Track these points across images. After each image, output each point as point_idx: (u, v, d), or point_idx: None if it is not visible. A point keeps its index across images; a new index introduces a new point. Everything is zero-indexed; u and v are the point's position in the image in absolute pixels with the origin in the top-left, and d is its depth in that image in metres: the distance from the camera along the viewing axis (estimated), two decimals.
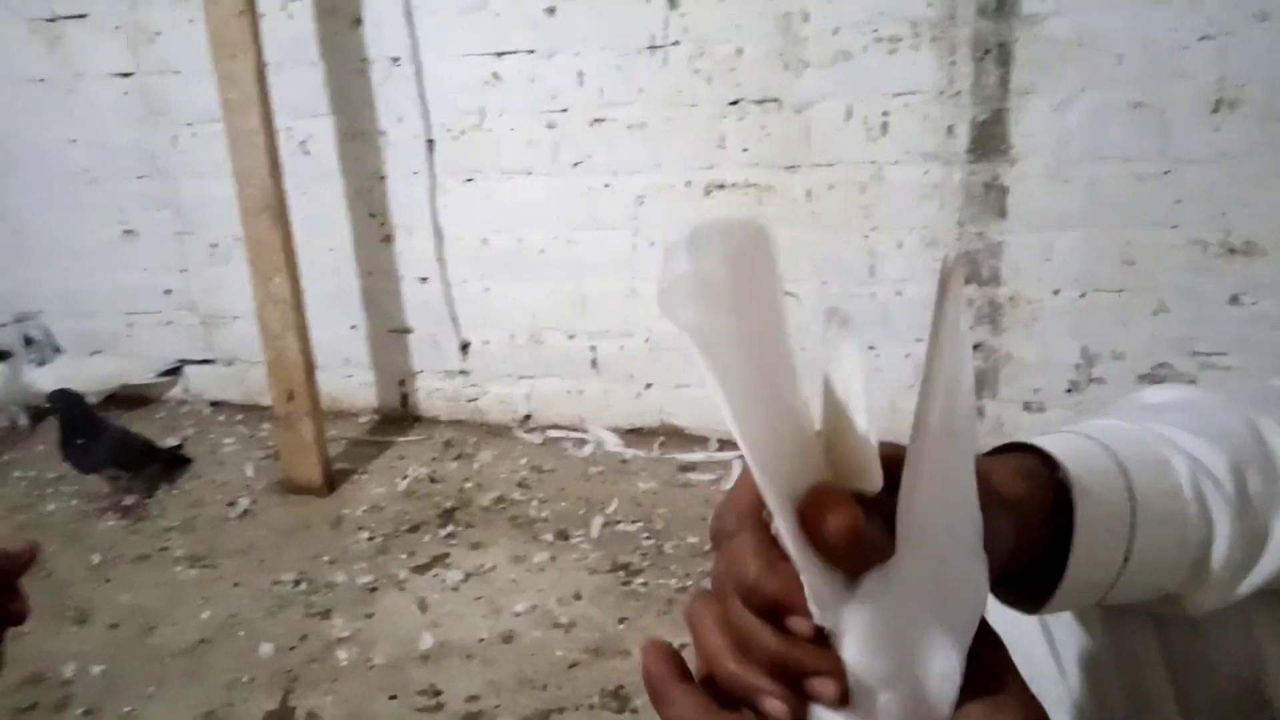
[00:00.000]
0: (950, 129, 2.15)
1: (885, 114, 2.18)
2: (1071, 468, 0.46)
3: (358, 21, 2.45)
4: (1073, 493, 0.46)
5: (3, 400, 2.75)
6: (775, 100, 2.24)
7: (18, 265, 2.96)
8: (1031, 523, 0.45)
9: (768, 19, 2.18)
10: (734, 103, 2.27)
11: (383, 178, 2.58)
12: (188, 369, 2.96)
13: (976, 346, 2.28)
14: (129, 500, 2.35)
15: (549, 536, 2.15)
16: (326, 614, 1.92)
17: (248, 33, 2.09)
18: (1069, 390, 2.27)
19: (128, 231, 2.85)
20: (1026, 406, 2.31)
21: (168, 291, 2.88)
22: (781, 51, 2.19)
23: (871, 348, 2.34)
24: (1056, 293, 2.21)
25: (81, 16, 2.67)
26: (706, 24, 2.22)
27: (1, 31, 2.72)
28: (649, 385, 2.56)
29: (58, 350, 2.85)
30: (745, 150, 2.29)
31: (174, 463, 2.51)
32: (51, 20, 2.70)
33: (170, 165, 2.74)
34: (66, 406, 2.28)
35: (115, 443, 2.32)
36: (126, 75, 2.69)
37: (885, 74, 2.15)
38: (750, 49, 2.21)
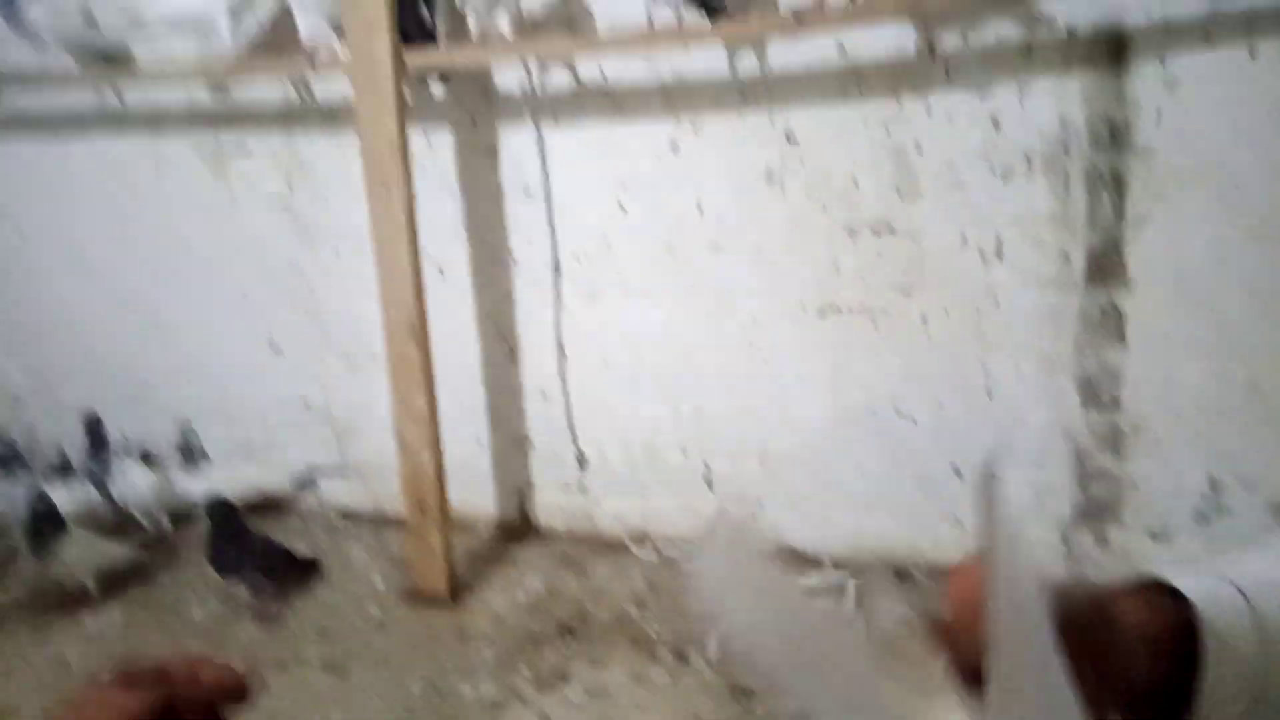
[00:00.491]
0: (1066, 255, 2.18)
1: (1000, 240, 2.23)
2: (1204, 608, 0.48)
3: (495, 156, 2.64)
4: (1202, 632, 0.48)
5: (152, 504, 2.94)
6: (889, 226, 2.31)
7: (175, 375, 3.21)
8: (1157, 656, 0.47)
9: (882, 151, 2.27)
10: (849, 229, 2.35)
11: (511, 300, 2.73)
12: (320, 478, 3.12)
13: (1099, 474, 2.25)
14: (267, 607, 2.48)
15: (668, 656, 2.17)
16: None
17: (400, 169, 2.28)
18: (1197, 520, 2.21)
19: (274, 345, 3.07)
20: (1153, 535, 2.26)
21: (307, 403, 3.07)
22: (896, 181, 2.28)
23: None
24: (1180, 419, 2.18)
25: (246, 150, 2.95)
26: (822, 157, 2.33)
27: (178, 161, 3.03)
28: (763, 503, 2.59)
29: (205, 457, 3.05)
30: (860, 275, 2.36)
31: (309, 571, 2.64)
32: (219, 154, 2.99)
33: (318, 285, 2.96)
34: (219, 513, 2.45)
35: (260, 550, 2.47)
36: (281, 201, 2.95)
37: (999, 202, 2.20)
38: (865, 179, 2.30)
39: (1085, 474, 2.28)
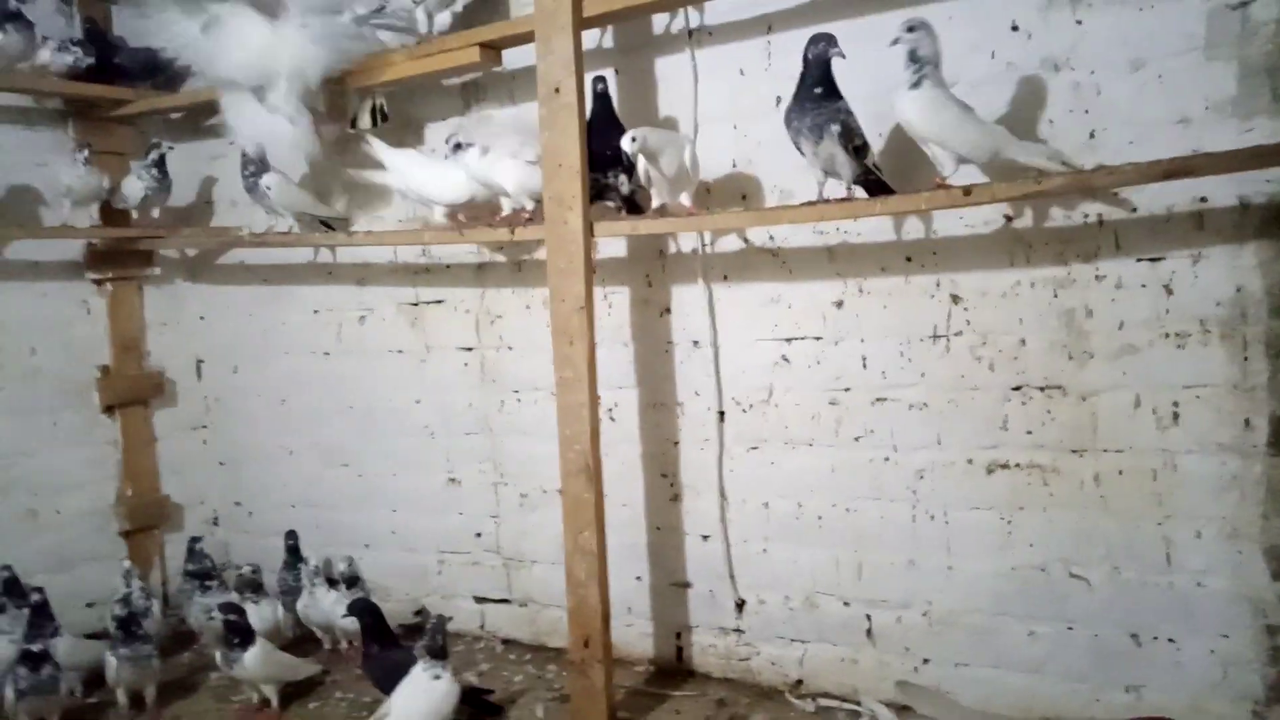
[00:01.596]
0: (1247, 422, 2.15)
1: (1175, 405, 2.21)
2: None
3: (667, 311, 2.83)
4: None
5: (333, 622, 3.11)
6: (1059, 387, 2.34)
7: (359, 504, 3.46)
8: None
9: (1050, 313, 2.32)
10: (1016, 388, 2.38)
11: (676, 443, 2.86)
12: (486, 606, 3.26)
13: None
14: None
15: None
16: None
17: (585, 325, 2.48)
18: None
19: (452, 479, 3.28)
20: None
21: (478, 535, 3.24)
22: (1065, 343, 2.31)
23: (1171, 640, 2.25)
24: None
25: (439, 302, 3.25)
26: (989, 317, 2.40)
27: (379, 311, 3.35)
28: (926, 660, 2.56)
29: (357, 580, 3.17)
30: (1029, 433, 2.38)
31: (486, 710, 2.71)
32: (415, 304, 3.30)
33: (496, 425, 3.17)
34: (367, 615, 2.62)
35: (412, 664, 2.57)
36: (469, 349, 3.21)
37: (1174, 367, 2.20)
38: (1033, 340, 2.35)
39: (1276, 648, 2.17)
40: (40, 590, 2.80)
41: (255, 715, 2.76)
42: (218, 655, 2.74)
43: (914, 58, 2.04)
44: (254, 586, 3.07)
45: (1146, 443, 2.25)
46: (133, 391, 3.55)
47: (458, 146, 2.71)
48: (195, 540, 3.21)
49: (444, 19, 2.77)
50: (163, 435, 3.65)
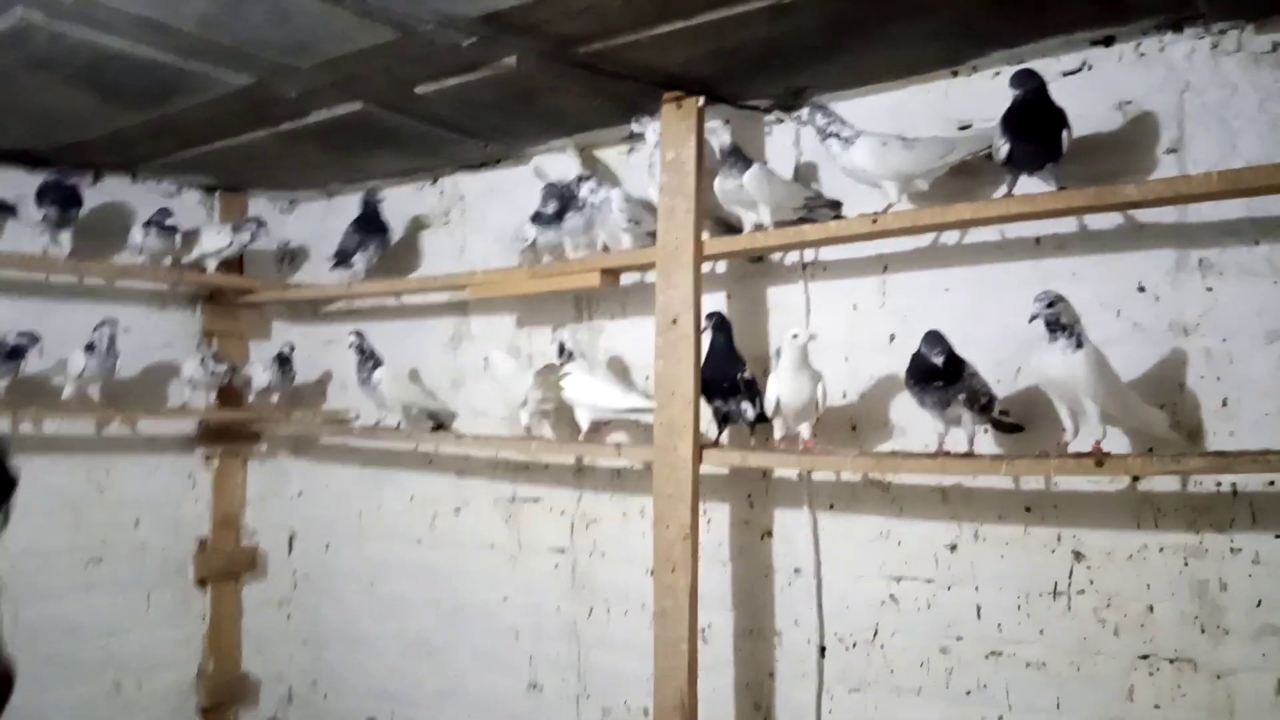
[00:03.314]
0: None
1: None
2: None
3: (768, 534, 2.78)
4: None
5: None
6: (1190, 661, 2.20)
7: (439, 699, 3.39)
8: None
9: (1181, 582, 2.21)
10: (1144, 656, 2.25)
11: (772, 675, 2.76)
12: None
13: None
14: None
15: None
16: None
17: (689, 554, 2.45)
18: None
19: (534, 686, 3.20)
20: None
21: None
22: (1198, 615, 2.19)
23: None
24: None
25: (535, 500, 3.25)
26: (1114, 579, 2.29)
27: (475, 505, 3.37)
28: None
29: None
30: (1156, 707, 2.23)
31: None
32: (511, 500, 3.31)
33: (584, 634, 3.11)
34: None
35: None
36: (561, 550, 3.18)
37: None
38: (1161, 608, 2.23)
39: None
40: None
41: None
42: None
43: (1057, 325, 2.01)
44: None
45: None
46: (227, 566, 3.60)
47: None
48: None
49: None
50: (249, 609, 3.67)
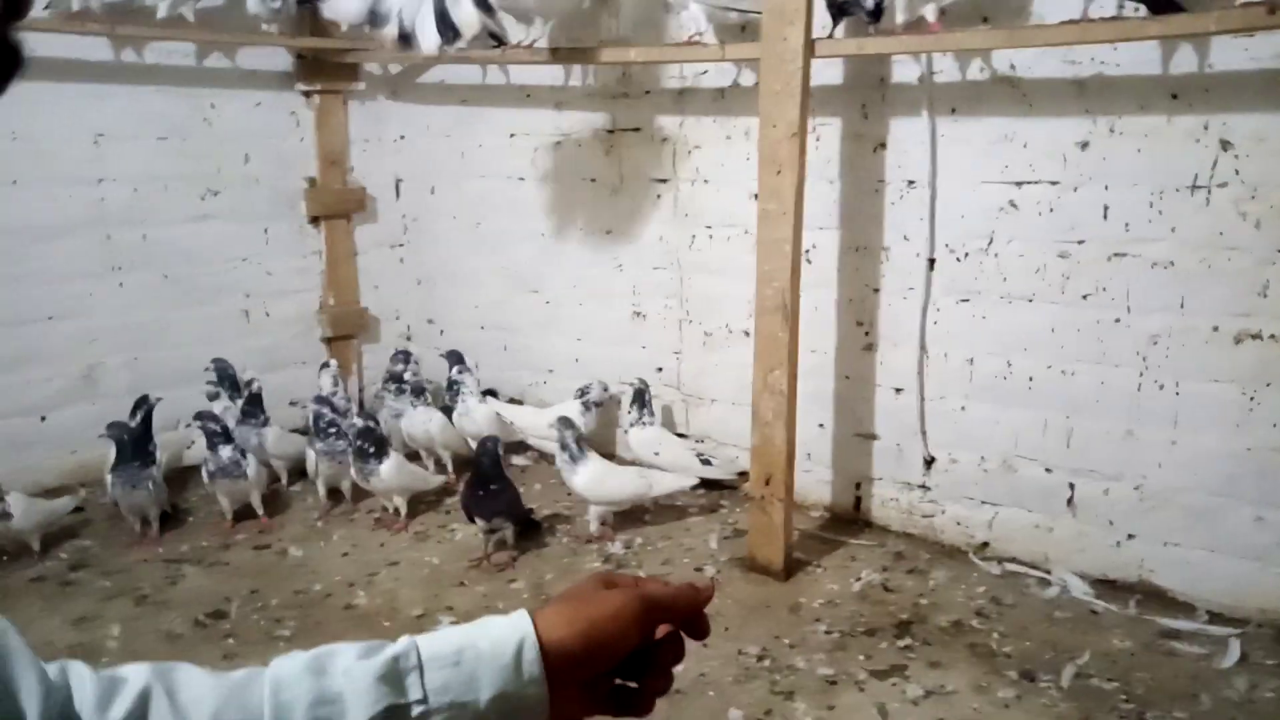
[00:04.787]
0: None
1: None
2: None
3: (881, 147, 2.63)
4: None
5: (437, 441, 3.16)
6: None
7: (542, 330, 3.51)
8: None
9: None
10: None
11: (876, 290, 2.72)
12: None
13: None
14: (503, 555, 2.63)
15: (1013, 674, 2.07)
16: (790, 695, 2.01)
17: (795, 154, 2.33)
18: None
19: (638, 313, 3.26)
20: None
21: (660, 369, 3.23)
22: None
23: None
24: None
25: (636, 130, 3.15)
26: (1262, 168, 2.10)
27: (574, 137, 3.29)
28: (1131, 536, 2.40)
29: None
30: None
31: (532, 526, 2.76)
32: (611, 131, 3.21)
33: (685, 261, 3.10)
34: (486, 454, 2.57)
35: (512, 498, 2.60)
36: (663, 181, 3.12)
37: None
38: None
39: None
40: (256, 381, 2.99)
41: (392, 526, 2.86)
42: (353, 468, 2.78)
43: None
44: (417, 391, 3.17)
45: None
46: (337, 205, 3.66)
47: None
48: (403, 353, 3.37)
49: None
50: (363, 250, 3.78)
